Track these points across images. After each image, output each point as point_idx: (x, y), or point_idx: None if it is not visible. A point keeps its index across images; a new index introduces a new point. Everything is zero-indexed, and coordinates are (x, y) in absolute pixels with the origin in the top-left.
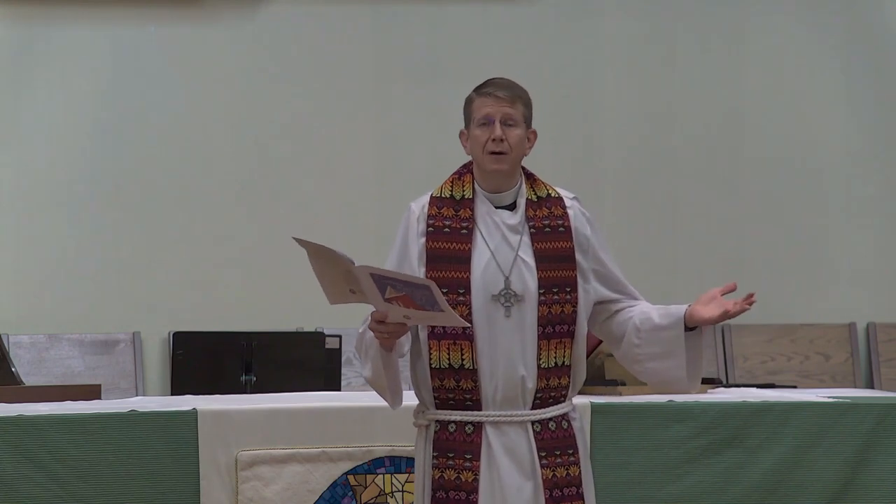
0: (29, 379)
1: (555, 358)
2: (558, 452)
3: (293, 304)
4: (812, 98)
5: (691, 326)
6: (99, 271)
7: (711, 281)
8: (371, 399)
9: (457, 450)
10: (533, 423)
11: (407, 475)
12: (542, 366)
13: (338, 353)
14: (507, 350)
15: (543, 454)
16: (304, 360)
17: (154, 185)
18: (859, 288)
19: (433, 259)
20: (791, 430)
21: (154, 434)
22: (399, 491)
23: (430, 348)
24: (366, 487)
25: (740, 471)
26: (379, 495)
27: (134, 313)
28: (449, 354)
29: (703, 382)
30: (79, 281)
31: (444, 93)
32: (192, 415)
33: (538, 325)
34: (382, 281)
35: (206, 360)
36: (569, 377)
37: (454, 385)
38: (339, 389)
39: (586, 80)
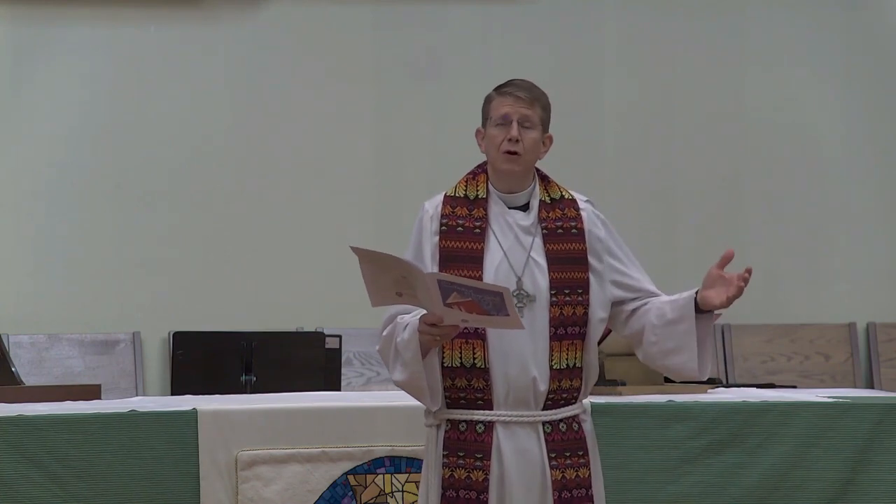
0: (29, 379)
1: (566, 359)
2: (568, 454)
3: (293, 304)
4: (812, 97)
5: (706, 309)
6: (99, 271)
7: None
8: (371, 399)
9: (467, 449)
10: (544, 423)
11: (407, 475)
12: (555, 367)
13: (338, 353)
14: (519, 350)
15: (553, 455)
16: (304, 360)
17: (154, 185)
18: (859, 288)
19: (446, 258)
20: (791, 430)
21: (154, 434)
22: (399, 491)
23: (442, 347)
24: (366, 487)
25: (740, 471)
26: (379, 495)
27: (134, 313)
28: (461, 353)
29: (703, 382)
30: (79, 281)
31: (444, 93)
32: (192, 415)
33: (550, 327)
34: (449, 287)
35: (206, 360)
36: (581, 379)
37: (466, 384)
38: (339, 389)
39: (586, 80)
